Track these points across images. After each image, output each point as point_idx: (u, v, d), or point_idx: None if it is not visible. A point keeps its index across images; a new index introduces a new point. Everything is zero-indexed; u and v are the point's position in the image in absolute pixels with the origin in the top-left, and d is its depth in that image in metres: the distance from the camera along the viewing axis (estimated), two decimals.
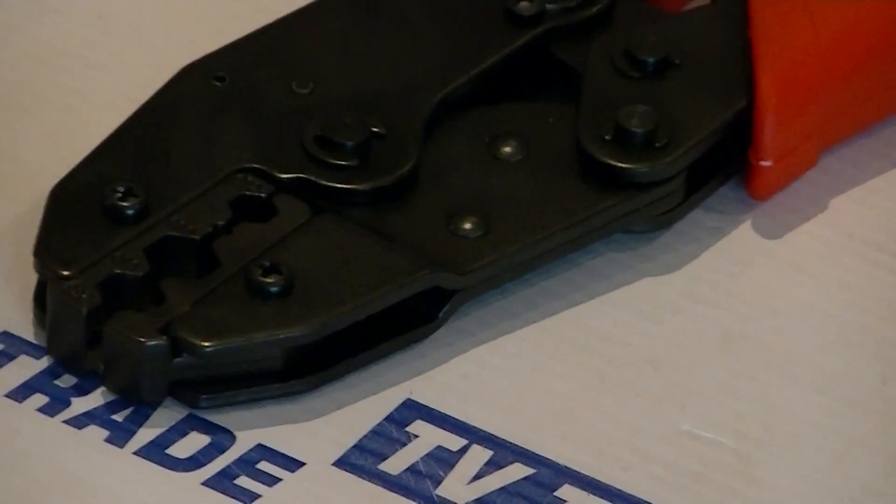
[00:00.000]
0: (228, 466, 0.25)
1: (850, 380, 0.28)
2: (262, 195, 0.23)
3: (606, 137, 0.23)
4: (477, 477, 0.24)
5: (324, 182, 0.23)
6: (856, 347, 0.29)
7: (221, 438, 0.25)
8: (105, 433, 0.25)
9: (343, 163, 0.24)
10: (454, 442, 0.25)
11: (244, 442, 0.25)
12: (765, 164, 0.26)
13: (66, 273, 0.22)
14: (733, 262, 0.29)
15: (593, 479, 0.26)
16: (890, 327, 0.31)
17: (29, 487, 0.26)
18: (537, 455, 0.25)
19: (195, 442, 0.24)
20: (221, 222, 0.23)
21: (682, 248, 0.30)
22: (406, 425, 0.25)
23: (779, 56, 0.26)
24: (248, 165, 0.23)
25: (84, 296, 0.22)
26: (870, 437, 0.29)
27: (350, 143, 0.23)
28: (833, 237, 0.29)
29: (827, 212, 0.29)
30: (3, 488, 0.26)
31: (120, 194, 0.22)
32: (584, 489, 0.25)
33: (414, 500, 0.23)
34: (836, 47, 0.28)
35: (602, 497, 0.26)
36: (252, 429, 0.25)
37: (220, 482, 0.24)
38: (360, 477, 0.25)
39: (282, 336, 0.23)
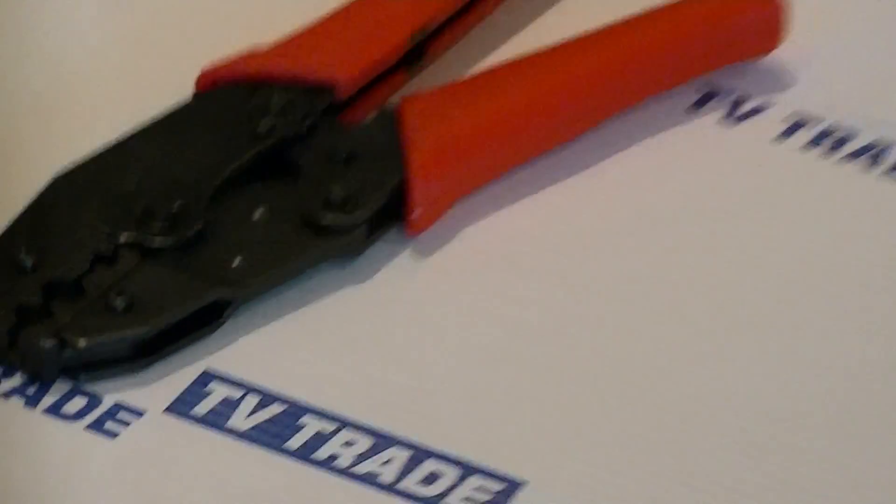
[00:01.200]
0: (100, 416, 0.36)
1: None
2: (111, 250, 0.37)
3: (318, 203, 0.37)
4: (250, 414, 0.36)
5: (147, 242, 0.37)
6: (492, 361, 0.39)
7: (94, 400, 0.37)
8: (23, 400, 0.37)
9: (159, 227, 0.37)
10: (236, 392, 0.37)
11: (107, 401, 0.37)
12: (414, 213, 0.39)
13: None
14: (399, 273, 0.40)
15: (332, 412, 0.37)
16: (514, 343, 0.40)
17: None
18: (285, 397, 0.37)
19: (78, 403, 0.36)
20: (86, 268, 0.36)
21: (370, 266, 0.40)
22: (206, 384, 0.37)
23: (419, 144, 0.40)
24: (101, 232, 0.37)
25: (2, 314, 0.36)
26: None
27: (163, 215, 0.37)
28: (469, 261, 0.41)
29: (471, 239, 0.42)
30: None
31: (23, 255, 0.36)
32: (321, 420, 0.37)
33: (210, 430, 0.36)
34: (467, 134, 0.41)
35: (331, 422, 0.37)
36: (112, 392, 0.37)
37: (96, 426, 0.36)
38: (180, 418, 0.36)
39: (126, 335, 0.36)
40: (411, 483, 0.36)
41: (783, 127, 0.47)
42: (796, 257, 0.44)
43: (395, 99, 0.43)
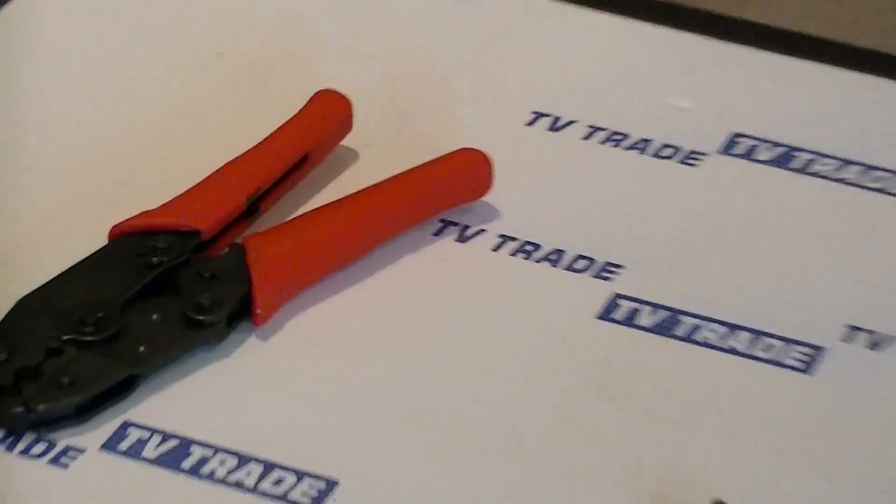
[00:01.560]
0: (56, 455, 0.48)
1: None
2: (58, 346, 0.49)
3: (193, 308, 0.50)
4: (157, 447, 0.48)
5: (82, 339, 0.49)
6: (319, 404, 0.52)
7: (51, 444, 0.48)
8: (4, 447, 0.47)
9: (89, 330, 0.49)
10: (146, 433, 0.48)
11: (60, 444, 0.48)
12: (257, 311, 0.52)
13: None
14: (250, 351, 0.53)
15: (210, 443, 0.48)
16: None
17: None
18: (179, 434, 0.48)
19: (41, 447, 0.47)
20: (42, 358, 0.48)
21: (230, 347, 0.53)
22: (126, 430, 0.49)
23: (257, 266, 0.52)
24: (51, 334, 0.49)
25: None
26: None
27: (91, 321, 0.49)
28: (297, 340, 0.54)
29: (299, 325, 0.55)
30: None
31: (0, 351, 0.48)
32: (203, 448, 0.48)
33: (130, 459, 0.48)
34: (289, 258, 0.54)
35: (209, 448, 0.48)
36: (64, 438, 0.48)
37: (54, 461, 0.47)
38: (109, 453, 0.48)
39: (71, 402, 0.47)
40: (266, 485, 0.48)
41: (496, 242, 0.60)
42: (507, 327, 0.57)
43: (240, 238, 0.56)
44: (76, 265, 0.54)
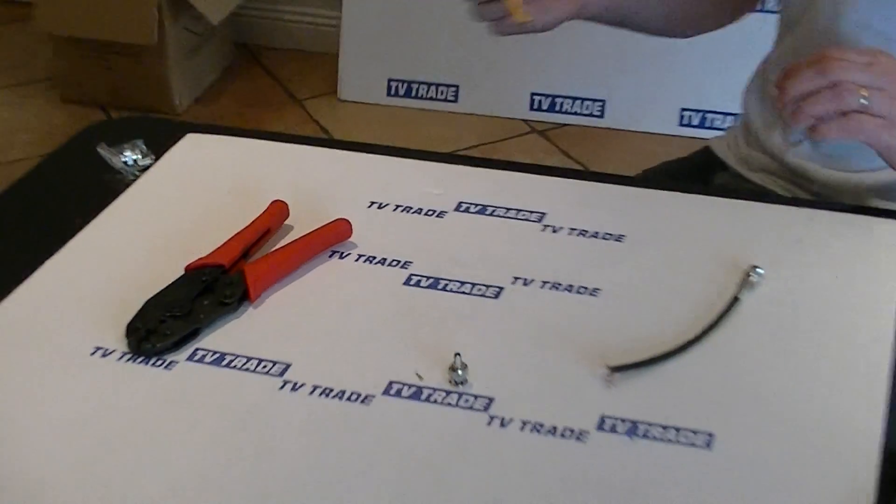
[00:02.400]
0: (167, 363, 0.87)
1: None
2: (163, 319, 0.90)
3: (222, 298, 0.92)
4: None
5: (174, 314, 0.91)
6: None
7: (164, 360, 0.88)
8: (143, 362, 0.87)
9: (177, 312, 0.92)
10: None
11: (169, 358, 0.86)
12: (251, 295, 0.90)
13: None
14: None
15: None
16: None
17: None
18: None
19: (160, 361, 0.86)
20: (157, 325, 0.87)
21: (243, 312, 0.93)
22: (196, 352, 0.92)
23: (248, 275, 0.91)
24: (161, 314, 0.93)
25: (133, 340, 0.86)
26: None
27: (177, 306, 0.93)
28: None
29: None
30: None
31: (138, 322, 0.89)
32: None
33: (200, 364, 0.91)
34: (266, 269, 0.94)
35: None
36: (170, 357, 0.88)
37: (166, 367, 0.86)
38: (194, 363, 0.86)
39: (169, 342, 0.87)
40: (259, 369, 0.85)
41: (355, 258, 1.02)
42: (352, 289, 0.98)
43: (241, 266, 0.92)
44: (172, 283, 0.91)
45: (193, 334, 0.89)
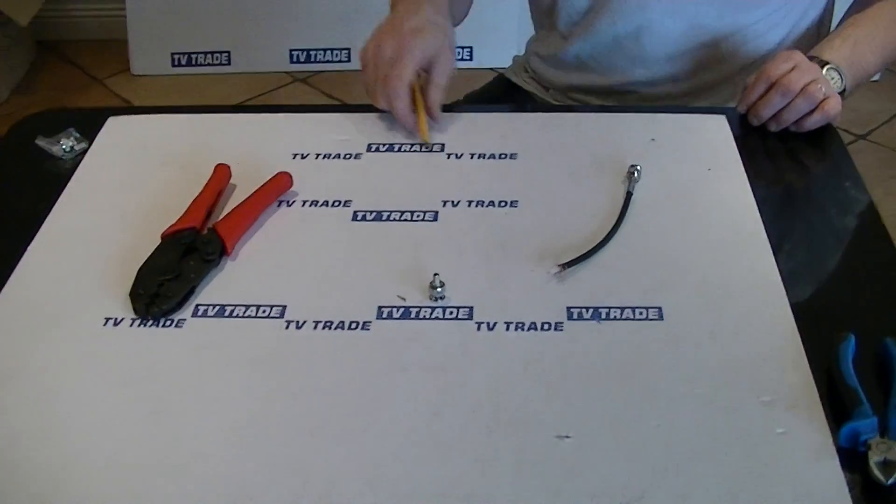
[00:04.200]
0: (177, 321, 0.93)
1: None
2: (161, 283, 0.98)
3: (205, 255, 1.04)
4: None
5: (168, 278, 0.98)
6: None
7: (172, 319, 0.94)
8: (154, 324, 0.92)
9: (168, 276, 0.98)
10: None
11: (176, 317, 0.93)
12: (227, 249, 1.02)
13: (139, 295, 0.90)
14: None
15: None
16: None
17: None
18: None
19: (169, 320, 0.94)
20: (156, 290, 0.93)
21: (226, 265, 1.01)
22: (198, 307, 0.99)
23: (221, 231, 0.99)
24: (157, 279, 0.97)
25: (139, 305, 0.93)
26: None
27: (168, 271, 1.01)
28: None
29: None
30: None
31: (140, 288, 0.94)
32: None
33: (203, 318, 0.99)
34: (234, 224, 1.03)
35: None
36: (177, 315, 0.95)
37: (174, 326, 0.92)
38: (199, 318, 0.94)
39: (172, 303, 0.97)
40: (258, 314, 0.93)
41: (300, 205, 1.12)
42: (297, 234, 1.07)
43: (212, 225, 0.98)
44: (155, 249, 0.96)
45: (190, 292, 0.95)
